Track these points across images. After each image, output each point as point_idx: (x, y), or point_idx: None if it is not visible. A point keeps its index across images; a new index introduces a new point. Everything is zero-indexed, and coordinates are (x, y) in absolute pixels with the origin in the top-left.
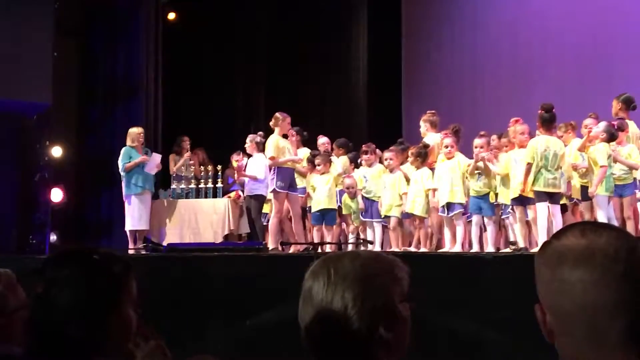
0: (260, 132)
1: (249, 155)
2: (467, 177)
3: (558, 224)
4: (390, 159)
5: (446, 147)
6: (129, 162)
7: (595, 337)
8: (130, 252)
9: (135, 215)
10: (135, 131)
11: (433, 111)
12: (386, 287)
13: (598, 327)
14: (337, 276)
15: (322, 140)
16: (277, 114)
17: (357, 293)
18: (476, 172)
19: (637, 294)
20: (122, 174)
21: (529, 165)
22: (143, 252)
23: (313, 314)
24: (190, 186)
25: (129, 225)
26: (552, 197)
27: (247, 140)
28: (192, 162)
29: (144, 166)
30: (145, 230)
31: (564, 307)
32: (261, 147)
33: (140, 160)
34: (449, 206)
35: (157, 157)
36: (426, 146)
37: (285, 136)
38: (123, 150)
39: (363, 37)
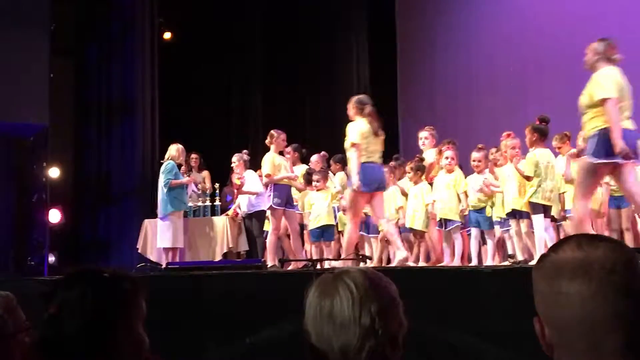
0: (245, 150)
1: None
2: (466, 193)
3: (551, 237)
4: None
5: (447, 158)
6: (175, 179)
7: (594, 350)
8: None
9: (175, 232)
10: (183, 149)
11: (432, 126)
12: (396, 299)
13: (596, 340)
14: (359, 292)
15: (315, 158)
16: (273, 131)
17: (381, 306)
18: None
19: (634, 307)
20: (164, 189)
21: (531, 179)
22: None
23: (337, 332)
24: (188, 204)
25: (166, 243)
26: (546, 211)
27: (234, 159)
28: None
29: (186, 186)
30: (179, 249)
31: (562, 320)
32: (249, 165)
33: (186, 181)
34: (446, 221)
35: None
36: (422, 159)
37: (281, 153)
38: (169, 165)
39: (361, 54)
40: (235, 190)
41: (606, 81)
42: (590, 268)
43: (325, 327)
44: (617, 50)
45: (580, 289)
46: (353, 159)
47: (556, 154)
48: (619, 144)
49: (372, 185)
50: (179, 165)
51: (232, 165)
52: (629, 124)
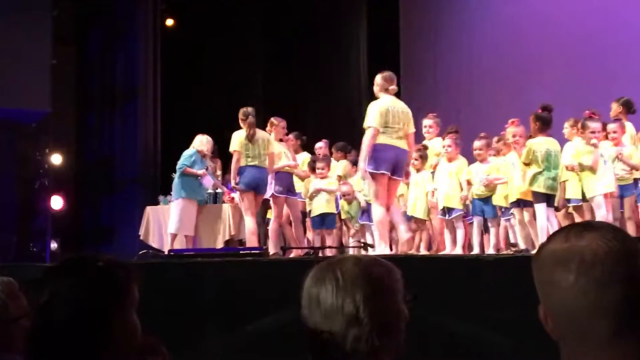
0: None
1: None
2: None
3: (553, 226)
4: None
5: (444, 147)
6: (191, 166)
7: (581, 338)
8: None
9: (181, 218)
10: (209, 140)
11: (435, 113)
12: (391, 288)
13: (580, 329)
14: (345, 280)
15: (319, 144)
16: (273, 119)
17: (367, 295)
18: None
19: (614, 297)
20: (177, 172)
21: (527, 165)
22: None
23: (323, 319)
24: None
25: (171, 228)
26: (548, 200)
27: None
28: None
29: (200, 177)
30: (190, 236)
31: (554, 308)
32: None
33: (200, 173)
34: (449, 209)
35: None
36: (426, 147)
37: (281, 141)
38: (190, 151)
39: (362, 41)
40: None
41: (372, 112)
42: (571, 259)
43: (314, 313)
44: (393, 83)
45: (563, 280)
46: (233, 163)
47: (566, 141)
48: (360, 165)
49: (251, 184)
50: (204, 156)
51: None
52: (401, 144)
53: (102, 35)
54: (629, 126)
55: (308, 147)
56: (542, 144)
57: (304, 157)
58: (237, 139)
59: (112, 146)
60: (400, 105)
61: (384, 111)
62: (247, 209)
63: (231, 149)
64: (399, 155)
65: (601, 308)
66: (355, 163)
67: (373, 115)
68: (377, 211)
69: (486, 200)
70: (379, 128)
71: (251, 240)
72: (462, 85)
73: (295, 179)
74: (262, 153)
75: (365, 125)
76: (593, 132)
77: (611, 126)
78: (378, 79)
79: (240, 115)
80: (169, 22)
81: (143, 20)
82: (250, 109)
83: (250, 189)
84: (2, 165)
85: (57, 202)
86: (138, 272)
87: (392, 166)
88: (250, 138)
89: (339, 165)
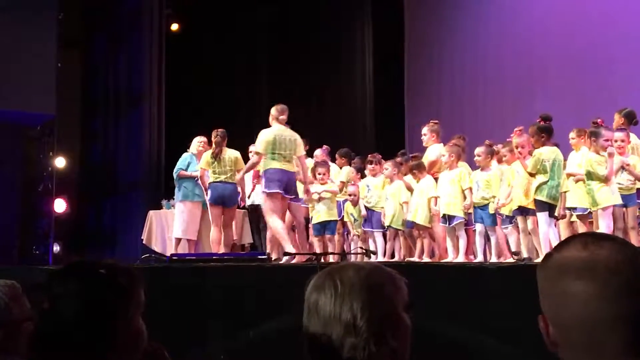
0: None
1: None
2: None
3: (555, 236)
4: (386, 169)
5: (443, 155)
6: (185, 170)
7: (595, 348)
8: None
9: (185, 222)
10: (198, 140)
11: (436, 120)
12: (391, 296)
13: (597, 339)
14: (343, 288)
15: (318, 152)
16: None
17: (365, 303)
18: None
19: (636, 307)
20: (174, 176)
21: (532, 175)
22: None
23: (322, 327)
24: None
25: (176, 232)
26: (551, 209)
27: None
28: None
29: (196, 178)
30: (192, 241)
31: (565, 319)
32: None
33: (194, 175)
34: (450, 217)
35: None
36: (417, 157)
37: None
38: (185, 155)
39: (367, 49)
40: (255, 180)
41: (260, 140)
42: (595, 268)
43: (313, 321)
44: (284, 114)
45: (584, 289)
46: (202, 180)
47: (571, 149)
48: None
49: (217, 200)
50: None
51: (250, 155)
52: (289, 167)
53: (107, 39)
54: (633, 137)
55: (312, 153)
56: (550, 153)
57: (309, 163)
58: (204, 159)
59: (116, 150)
60: (288, 133)
61: (271, 139)
62: (212, 221)
63: (199, 167)
64: (288, 176)
65: (620, 318)
66: (359, 170)
67: (260, 143)
68: (274, 223)
69: (484, 208)
70: (263, 154)
71: (214, 249)
72: (466, 95)
73: (299, 185)
74: (228, 169)
75: (254, 149)
76: (607, 140)
77: (618, 135)
78: (272, 110)
79: (212, 137)
80: (174, 26)
81: (148, 24)
82: (219, 131)
83: (217, 204)
84: (6, 167)
85: (60, 205)
86: (141, 276)
87: (283, 186)
88: (215, 156)
89: (343, 172)
